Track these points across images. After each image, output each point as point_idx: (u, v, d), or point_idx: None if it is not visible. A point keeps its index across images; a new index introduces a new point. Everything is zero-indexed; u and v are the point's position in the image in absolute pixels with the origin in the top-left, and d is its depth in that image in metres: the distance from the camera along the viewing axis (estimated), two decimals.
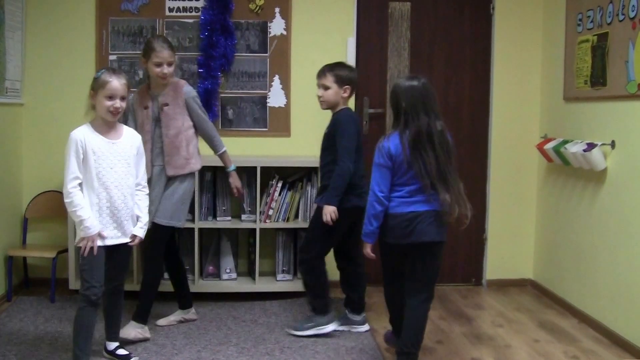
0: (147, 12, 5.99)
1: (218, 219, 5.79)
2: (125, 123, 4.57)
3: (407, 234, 4.08)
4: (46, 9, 5.94)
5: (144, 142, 4.49)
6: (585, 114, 5.45)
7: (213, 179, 5.79)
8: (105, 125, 4.13)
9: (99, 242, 4.04)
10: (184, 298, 5.17)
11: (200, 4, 5.97)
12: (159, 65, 4.73)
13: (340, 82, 4.87)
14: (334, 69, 4.91)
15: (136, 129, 4.63)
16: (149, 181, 4.59)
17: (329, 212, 4.68)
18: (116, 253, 4.21)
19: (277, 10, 6.07)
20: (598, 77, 5.21)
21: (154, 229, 4.74)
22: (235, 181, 5.13)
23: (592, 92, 5.31)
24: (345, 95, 4.92)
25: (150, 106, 4.82)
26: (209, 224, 5.74)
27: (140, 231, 4.29)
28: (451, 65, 6.34)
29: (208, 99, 5.89)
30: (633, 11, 4.72)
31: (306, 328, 4.95)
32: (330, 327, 4.97)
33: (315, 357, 4.58)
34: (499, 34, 6.29)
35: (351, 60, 6.08)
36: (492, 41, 6.32)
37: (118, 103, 4.06)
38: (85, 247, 4.00)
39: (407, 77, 4.44)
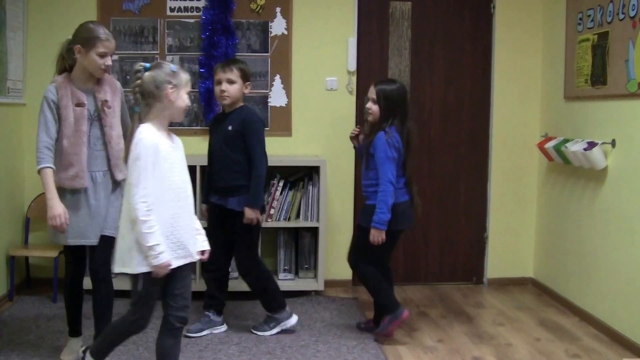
0: (149, 12, 5.99)
1: None
2: (47, 124, 4.04)
3: (409, 220, 4.87)
4: (47, 9, 5.95)
5: (79, 145, 4.04)
6: (586, 113, 5.46)
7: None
8: (165, 126, 3.62)
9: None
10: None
11: (201, 4, 5.97)
12: (104, 56, 4.06)
13: (245, 77, 4.82)
14: (238, 62, 4.87)
15: (62, 129, 4.07)
16: (86, 190, 4.10)
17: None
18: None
19: (278, 10, 6.07)
20: (598, 76, 5.22)
21: (104, 244, 4.14)
22: None
23: (593, 91, 5.31)
24: (246, 91, 4.90)
25: (86, 103, 4.13)
26: (203, 223, 5.74)
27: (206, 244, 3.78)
28: (452, 65, 6.35)
29: (209, 98, 5.89)
30: (633, 10, 4.72)
31: (271, 327, 4.95)
32: (293, 320, 4.99)
33: (316, 355, 4.58)
34: (499, 33, 6.29)
35: (352, 60, 6.09)
36: (493, 40, 6.32)
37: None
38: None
39: (389, 80, 5.07)
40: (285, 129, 6.14)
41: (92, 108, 4.14)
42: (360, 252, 4.87)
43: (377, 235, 4.64)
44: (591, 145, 5.11)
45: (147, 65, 3.56)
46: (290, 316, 5.00)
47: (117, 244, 3.57)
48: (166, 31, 6.01)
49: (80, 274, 4.36)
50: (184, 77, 3.58)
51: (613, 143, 5.00)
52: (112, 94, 4.22)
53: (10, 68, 5.64)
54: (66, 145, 4.05)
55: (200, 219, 4.24)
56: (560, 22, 5.87)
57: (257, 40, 6.08)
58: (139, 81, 3.52)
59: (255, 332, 4.96)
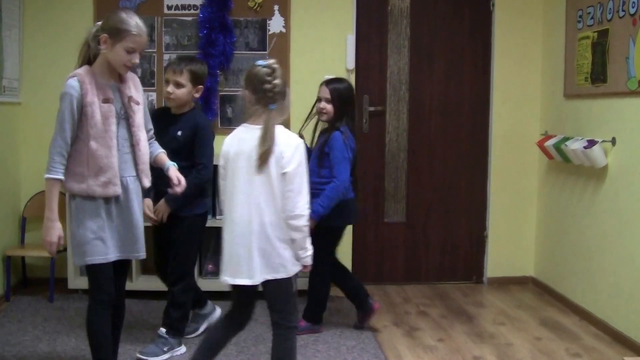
0: (146, 9, 5.95)
1: (218, 217, 5.75)
2: (64, 125, 3.63)
3: (355, 216, 5.07)
4: (44, 7, 5.92)
5: (109, 147, 3.62)
6: (586, 111, 5.43)
7: (213, 177, 5.75)
8: None
9: None
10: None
11: (198, 2, 5.93)
12: (132, 52, 3.61)
13: (195, 80, 4.52)
14: (191, 64, 4.54)
15: (87, 129, 3.62)
16: (117, 199, 3.70)
17: None
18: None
19: (276, 7, 6.04)
20: (598, 74, 5.19)
21: (128, 266, 4.03)
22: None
23: (593, 88, 5.29)
24: (197, 95, 4.61)
25: (113, 100, 3.69)
26: (209, 222, 5.70)
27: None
28: (451, 62, 6.32)
29: (207, 97, 5.85)
30: (633, 7, 4.70)
31: (164, 352, 4.48)
32: (183, 348, 4.62)
33: (316, 355, 4.56)
34: (499, 30, 6.27)
35: (351, 57, 6.06)
36: (492, 38, 6.30)
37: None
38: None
39: (339, 78, 5.13)
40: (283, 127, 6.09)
41: (118, 105, 3.69)
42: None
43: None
44: (591, 143, 5.09)
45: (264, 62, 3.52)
46: (181, 343, 4.66)
47: (266, 251, 3.45)
48: (163, 29, 5.98)
49: (119, 296, 3.90)
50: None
51: (613, 141, 4.97)
52: (136, 90, 3.83)
53: (6, 66, 5.60)
54: (94, 147, 3.59)
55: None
56: (560, 19, 5.84)
57: (255, 38, 6.05)
58: (277, 80, 3.47)
59: (141, 356, 4.45)
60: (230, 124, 6.04)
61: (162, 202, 4.49)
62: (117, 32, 3.57)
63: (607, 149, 5.05)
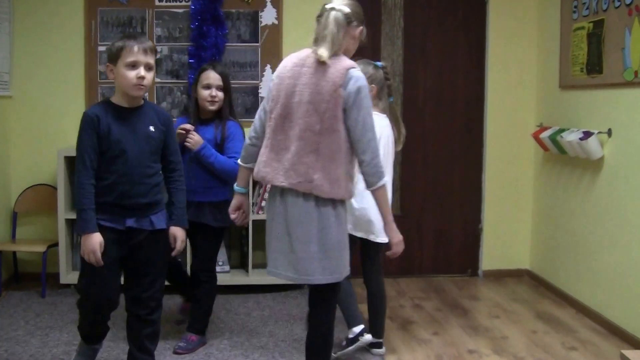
0: (137, 2, 5.90)
1: None
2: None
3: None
4: (34, 0, 5.86)
5: None
6: (582, 102, 5.40)
7: None
8: None
9: None
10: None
11: None
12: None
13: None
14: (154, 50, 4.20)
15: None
16: None
17: None
18: None
19: None
20: (594, 65, 5.16)
21: None
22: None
23: (588, 79, 5.25)
24: None
25: None
26: None
27: None
28: (445, 54, 6.28)
29: None
30: None
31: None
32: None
33: None
34: (493, 21, 6.23)
35: None
36: (487, 29, 6.26)
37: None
38: None
39: (220, 63, 5.20)
40: None
41: None
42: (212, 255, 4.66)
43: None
44: (587, 134, 5.06)
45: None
46: None
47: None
48: (155, 21, 5.92)
49: None
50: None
51: (609, 132, 4.95)
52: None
53: None
54: None
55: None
56: (555, 10, 5.81)
57: (247, 30, 6.00)
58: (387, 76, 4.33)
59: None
60: None
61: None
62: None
63: (603, 141, 5.02)
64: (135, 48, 3.52)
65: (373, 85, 4.17)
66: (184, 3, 5.92)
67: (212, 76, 4.46)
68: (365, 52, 6.18)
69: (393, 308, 5.44)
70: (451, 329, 5.01)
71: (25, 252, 5.87)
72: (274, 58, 6.00)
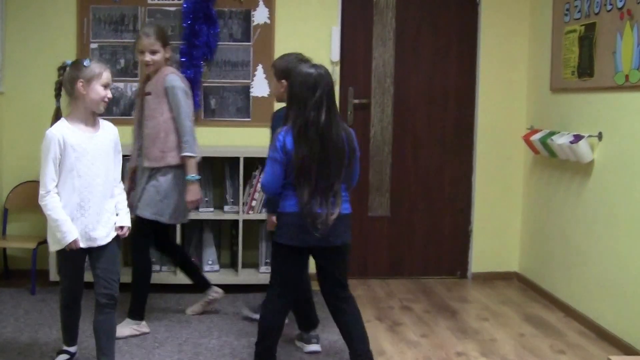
0: None
1: (200, 210, 5.70)
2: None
3: None
4: None
5: (134, 131, 4.78)
6: (573, 105, 5.41)
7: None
8: (85, 118, 3.79)
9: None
10: (201, 282, 5.17)
11: None
12: (141, 53, 4.68)
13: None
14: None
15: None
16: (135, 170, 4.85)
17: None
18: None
19: None
20: (585, 68, 5.17)
21: (136, 221, 4.59)
22: (191, 194, 4.71)
23: (580, 83, 5.26)
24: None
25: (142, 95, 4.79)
26: (191, 215, 5.66)
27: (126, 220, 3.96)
28: (437, 55, 6.28)
29: (190, 88, 5.78)
30: (621, 1, 4.67)
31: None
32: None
33: (298, 350, 4.54)
34: (485, 23, 6.24)
35: (336, 49, 6.01)
36: (478, 31, 6.26)
37: (109, 93, 3.80)
38: None
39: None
40: (267, 120, 6.01)
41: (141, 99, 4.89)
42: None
43: None
44: (577, 138, 5.06)
45: (69, 62, 3.81)
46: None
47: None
48: (147, 19, 5.91)
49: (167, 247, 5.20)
50: (96, 70, 3.71)
51: (600, 136, 4.95)
52: (156, 86, 4.74)
53: None
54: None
55: None
56: (547, 12, 5.81)
57: (239, 29, 5.99)
58: (60, 78, 3.81)
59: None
60: (213, 115, 6.00)
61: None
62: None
63: (593, 144, 5.03)
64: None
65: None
66: (176, 1, 5.90)
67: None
68: (357, 53, 6.20)
69: (382, 309, 5.44)
70: (440, 331, 5.01)
71: (15, 248, 5.86)
72: (266, 58, 5.99)
